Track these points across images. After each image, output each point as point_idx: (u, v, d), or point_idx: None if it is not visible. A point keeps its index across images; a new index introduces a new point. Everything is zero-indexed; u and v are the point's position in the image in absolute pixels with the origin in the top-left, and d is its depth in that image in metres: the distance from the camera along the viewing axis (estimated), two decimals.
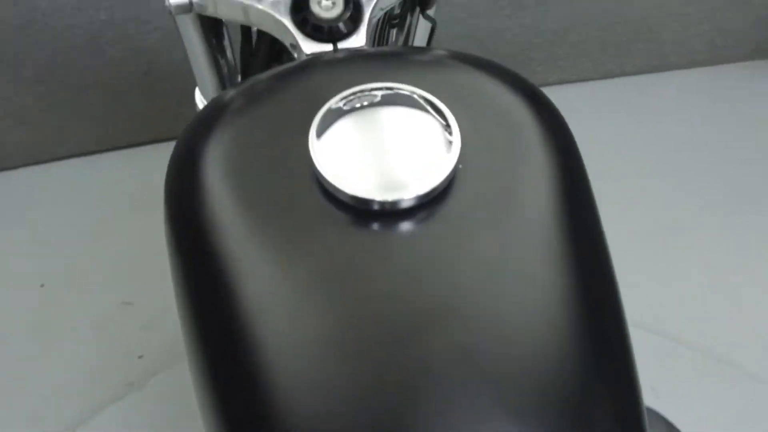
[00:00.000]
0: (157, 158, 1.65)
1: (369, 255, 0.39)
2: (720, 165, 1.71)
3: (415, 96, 0.43)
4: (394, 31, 0.67)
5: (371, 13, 0.55)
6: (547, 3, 1.75)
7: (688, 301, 1.40)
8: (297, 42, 0.54)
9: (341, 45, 0.54)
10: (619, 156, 1.67)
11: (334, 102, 0.43)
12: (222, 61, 0.68)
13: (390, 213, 0.39)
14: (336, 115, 0.42)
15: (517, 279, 0.39)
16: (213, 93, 0.70)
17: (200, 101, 0.76)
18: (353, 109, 0.43)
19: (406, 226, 0.39)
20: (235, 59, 0.71)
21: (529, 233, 0.41)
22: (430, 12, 0.61)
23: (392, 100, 0.43)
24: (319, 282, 0.38)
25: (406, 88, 0.44)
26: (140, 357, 1.31)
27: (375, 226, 0.39)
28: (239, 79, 0.74)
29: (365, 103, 0.43)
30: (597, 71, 1.91)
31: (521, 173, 0.43)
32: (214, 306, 0.40)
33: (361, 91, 0.43)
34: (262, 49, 0.63)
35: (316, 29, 0.53)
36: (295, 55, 0.55)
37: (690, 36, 1.91)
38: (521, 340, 0.37)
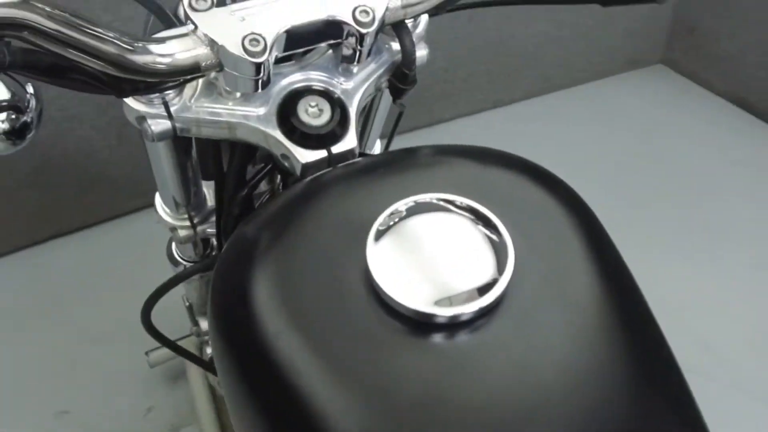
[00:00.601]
0: (61, 253, 1.59)
1: (446, 371, 0.39)
2: (611, 173, 1.81)
3: (455, 206, 0.45)
4: None
5: (357, 112, 0.55)
6: (434, 42, 1.77)
7: None
8: (290, 152, 0.53)
9: (335, 149, 0.53)
10: None
11: (380, 221, 0.44)
12: (188, 170, 0.66)
13: (453, 324, 0.40)
14: (384, 231, 0.43)
15: (591, 373, 0.40)
16: (178, 198, 0.70)
17: (161, 207, 0.74)
18: (399, 223, 0.44)
19: (470, 335, 0.40)
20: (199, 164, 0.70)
21: (587, 325, 0.42)
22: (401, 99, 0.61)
23: (430, 209, 0.45)
24: (407, 408, 0.38)
25: (444, 197, 0.45)
26: None
27: (438, 337, 0.40)
28: (201, 183, 0.72)
29: (408, 216, 0.44)
30: (488, 101, 1.98)
31: (568, 266, 0.45)
32: None
33: (412, 203, 0.45)
34: (237, 156, 0.60)
35: (305, 137, 0.53)
36: (286, 164, 0.54)
37: (569, 57, 2.02)
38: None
